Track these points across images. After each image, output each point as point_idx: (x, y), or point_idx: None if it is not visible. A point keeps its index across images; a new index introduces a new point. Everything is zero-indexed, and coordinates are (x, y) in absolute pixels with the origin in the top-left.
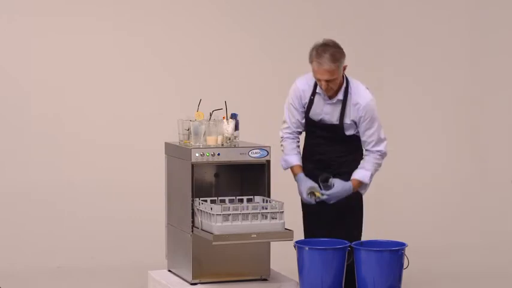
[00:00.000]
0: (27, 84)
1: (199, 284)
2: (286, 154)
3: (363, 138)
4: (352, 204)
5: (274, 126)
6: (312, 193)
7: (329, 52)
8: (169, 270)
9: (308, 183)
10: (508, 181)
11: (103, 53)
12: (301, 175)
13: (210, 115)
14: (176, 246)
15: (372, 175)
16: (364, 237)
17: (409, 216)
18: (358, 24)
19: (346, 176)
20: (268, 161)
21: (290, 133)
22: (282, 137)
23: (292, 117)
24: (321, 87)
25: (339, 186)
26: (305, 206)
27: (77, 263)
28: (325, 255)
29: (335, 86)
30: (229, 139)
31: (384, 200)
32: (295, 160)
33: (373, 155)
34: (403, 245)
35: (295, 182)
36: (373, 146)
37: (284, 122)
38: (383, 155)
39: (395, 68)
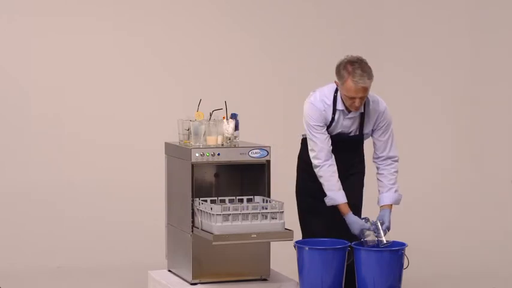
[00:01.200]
0: (27, 84)
1: (199, 284)
2: (329, 189)
3: (378, 144)
4: (353, 202)
5: (274, 126)
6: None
7: (360, 68)
8: (169, 270)
9: (359, 224)
10: (508, 181)
11: (103, 53)
12: (351, 215)
13: (210, 115)
14: (176, 246)
15: (398, 189)
16: None
17: (409, 216)
18: (358, 24)
19: (357, 176)
20: (268, 161)
21: (325, 155)
22: (318, 165)
23: (323, 137)
24: (349, 105)
25: (384, 215)
26: (302, 203)
27: (77, 263)
28: (325, 255)
29: (363, 102)
30: (229, 139)
31: None
32: (342, 198)
33: (388, 167)
34: (403, 245)
35: (296, 182)
36: (389, 151)
37: (314, 147)
38: (397, 160)
39: (395, 68)
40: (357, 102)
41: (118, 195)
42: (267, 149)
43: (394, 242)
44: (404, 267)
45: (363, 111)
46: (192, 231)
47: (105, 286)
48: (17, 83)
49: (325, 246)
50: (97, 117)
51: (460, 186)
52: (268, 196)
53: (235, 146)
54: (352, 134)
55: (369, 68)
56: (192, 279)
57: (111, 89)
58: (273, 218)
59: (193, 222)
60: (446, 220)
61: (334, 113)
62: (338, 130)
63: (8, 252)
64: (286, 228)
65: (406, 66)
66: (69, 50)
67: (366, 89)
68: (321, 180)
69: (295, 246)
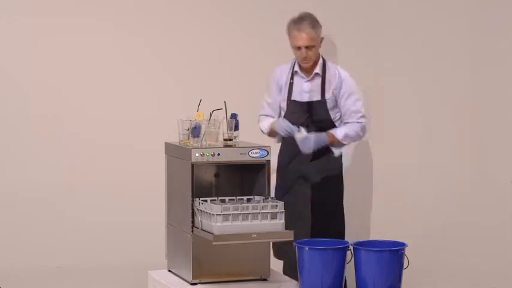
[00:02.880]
0: (27, 84)
1: (199, 284)
2: (264, 125)
3: (342, 111)
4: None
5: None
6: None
7: (307, 20)
8: (169, 270)
9: (286, 121)
10: (508, 181)
11: (103, 53)
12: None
13: (210, 115)
14: (176, 246)
15: (346, 135)
16: (365, 237)
17: (409, 216)
18: (358, 24)
19: (334, 202)
20: (268, 161)
21: (267, 114)
22: (259, 117)
23: (270, 100)
24: (300, 60)
25: (316, 134)
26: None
27: (77, 263)
28: (325, 255)
29: (314, 56)
30: (229, 139)
31: (383, 200)
32: (270, 120)
33: (351, 124)
34: (403, 245)
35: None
36: (353, 118)
37: (262, 107)
38: (363, 128)
39: (395, 68)
40: (303, 53)
41: (118, 195)
42: (267, 149)
43: (394, 242)
44: (404, 267)
45: (319, 72)
46: (192, 231)
47: (105, 286)
48: (16, 82)
49: (325, 246)
50: (97, 117)
51: (460, 186)
52: (268, 196)
53: (235, 146)
54: (315, 98)
55: (316, 21)
56: (192, 279)
57: (111, 89)
58: (273, 218)
59: (193, 222)
60: (446, 220)
61: (292, 77)
62: (300, 94)
63: (8, 252)
64: (286, 228)
65: (406, 66)
66: (68, 50)
67: (309, 38)
68: (261, 127)
69: (295, 246)
